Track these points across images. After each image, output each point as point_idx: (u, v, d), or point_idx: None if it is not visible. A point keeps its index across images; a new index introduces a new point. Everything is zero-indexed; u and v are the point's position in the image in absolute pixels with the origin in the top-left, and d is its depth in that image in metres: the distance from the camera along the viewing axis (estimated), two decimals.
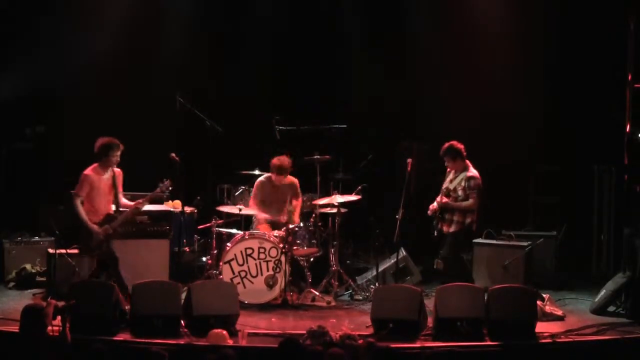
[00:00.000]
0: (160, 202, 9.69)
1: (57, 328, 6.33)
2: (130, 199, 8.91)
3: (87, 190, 8.55)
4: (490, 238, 9.97)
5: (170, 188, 8.98)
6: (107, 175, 8.66)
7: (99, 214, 8.59)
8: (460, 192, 8.93)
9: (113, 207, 8.72)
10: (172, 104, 9.96)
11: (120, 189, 8.79)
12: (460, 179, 8.96)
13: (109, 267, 8.56)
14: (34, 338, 6.16)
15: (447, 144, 9.00)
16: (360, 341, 7.33)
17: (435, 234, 9.06)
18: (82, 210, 8.52)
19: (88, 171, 8.61)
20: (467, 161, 9.03)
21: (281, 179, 9.53)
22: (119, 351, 7.18)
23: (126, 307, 7.91)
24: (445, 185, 9.06)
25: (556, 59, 11.24)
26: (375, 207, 9.89)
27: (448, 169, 9.10)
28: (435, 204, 9.02)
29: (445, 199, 8.93)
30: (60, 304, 6.52)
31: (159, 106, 10.87)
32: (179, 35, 11.58)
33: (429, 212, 9.10)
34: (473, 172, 8.96)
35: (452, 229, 8.95)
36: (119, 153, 8.63)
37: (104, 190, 8.64)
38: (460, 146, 8.97)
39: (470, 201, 8.88)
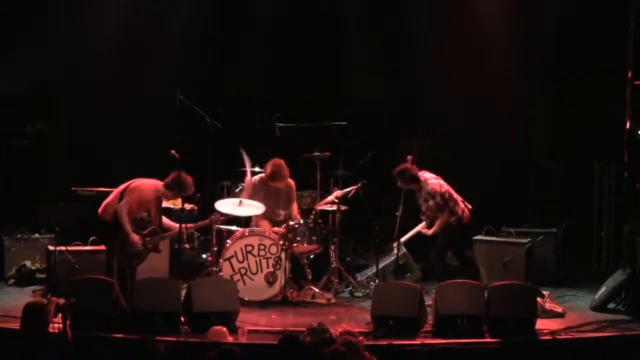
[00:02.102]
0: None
1: (57, 325, 6.33)
2: None
3: (138, 205, 8.52)
4: (490, 235, 9.98)
5: (219, 221, 9.06)
6: (159, 197, 8.69)
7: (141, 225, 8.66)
8: (429, 212, 8.98)
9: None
10: (173, 100, 9.95)
11: (162, 207, 8.83)
12: (424, 196, 8.95)
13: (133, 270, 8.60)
14: (34, 335, 6.15)
15: (394, 171, 8.94)
16: (361, 338, 7.33)
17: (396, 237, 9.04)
18: (127, 220, 8.42)
19: (149, 190, 8.55)
20: (421, 176, 8.97)
21: (276, 183, 9.52)
22: (118, 348, 7.19)
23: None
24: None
25: (556, 56, 11.25)
26: (375, 204, 9.88)
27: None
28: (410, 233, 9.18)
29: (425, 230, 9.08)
30: (61, 301, 6.51)
31: (159, 103, 10.87)
32: (179, 34, 11.57)
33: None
34: (430, 185, 8.89)
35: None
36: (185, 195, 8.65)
37: (155, 209, 8.70)
38: (406, 166, 8.88)
39: (444, 215, 8.90)
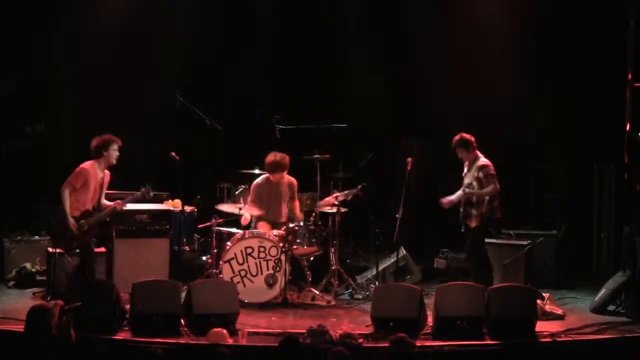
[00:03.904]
0: (160, 201, 9.68)
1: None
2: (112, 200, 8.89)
3: (81, 183, 8.48)
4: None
5: (151, 194, 8.87)
6: (101, 175, 8.62)
7: (79, 209, 8.52)
8: (475, 184, 8.92)
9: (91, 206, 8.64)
10: (172, 102, 9.95)
11: (105, 190, 8.75)
12: (473, 171, 8.96)
13: (85, 261, 8.51)
14: (39, 338, 6.15)
15: (457, 136, 8.99)
16: (360, 340, 7.34)
17: (463, 229, 9.06)
18: (67, 201, 8.41)
19: (87, 166, 8.54)
20: (477, 151, 9.04)
21: (279, 176, 9.52)
22: (118, 350, 7.20)
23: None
24: (464, 182, 9.07)
25: (557, 57, 11.24)
26: (375, 206, 9.89)
27: (465, 164, 9.08)
28: (451, 197, 9.04)
29: (467, 190, 8.93)
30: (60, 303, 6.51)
31: (159, 105, 10.86)
32: (179, 34, 11.56)
33: (445, 204, 9.09)
34: (484, 161, 8.95)
35: (474, 224, 8.94)
36: (117, 148, 8.58)
37: (94, 188, 8.58)
38: (471, 137, 8.97)
39: (490, 187, 8.83)
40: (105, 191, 8.78)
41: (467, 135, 8.98)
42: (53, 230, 8.74)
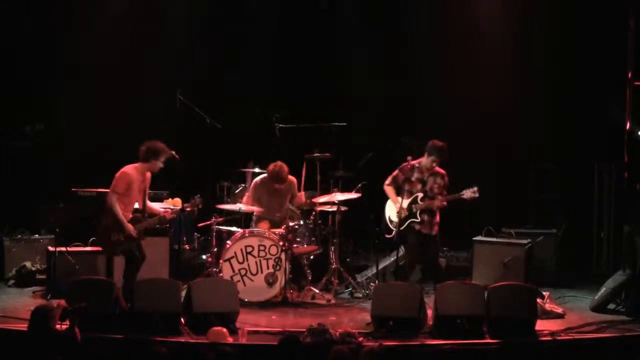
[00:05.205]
0: (160, 200, 9.68)
1: (65, 327, 6.35)
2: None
3: (124, 188, 8.28)
4: (490, 236, 9.97)
5: (200, 205, 8.90)
6: (142, 178, 8.44)
7: (124, 214, 8.33)
8: (436, 190, 8.97)
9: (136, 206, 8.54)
10: (173, 101, 9.96)
11: (147, 191, 8.61)
12: (435, 177, 8.99)
13: (133, 264, 8.40)
14: (40, 339, 6.16)
15: (440, 144, 8.93)
16: (360, 338, 7.35)
17: (396, 238, 9.03)
18: (118, 210, 8.22)
19: (129, 169, 8.34)
20: None
21: (275, 185, 9.52)
22: (118, 349, 7.20)
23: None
24: (416, 187, 9.03)
25: (556, 56, 11.25)
26: (375, 205, 9.88)
27: (410, 164, 9.04)
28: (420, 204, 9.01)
29: (441, 199, 8.92)
30: (69, 306, 6.51)
31: (159, 104, 10.87)
32: (179, 34, 11.57)
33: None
34: (442, 170, 9.03)
35: (433, 232, 9.01)
36: (165, 160, 8.44)
37: (136, 191, 8.40)
38: (445, 146, 8.95)
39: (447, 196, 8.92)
40: (147, 192, 8.62)
41: (444, 144, 8.95)
42: (97, 236, 8.62)
